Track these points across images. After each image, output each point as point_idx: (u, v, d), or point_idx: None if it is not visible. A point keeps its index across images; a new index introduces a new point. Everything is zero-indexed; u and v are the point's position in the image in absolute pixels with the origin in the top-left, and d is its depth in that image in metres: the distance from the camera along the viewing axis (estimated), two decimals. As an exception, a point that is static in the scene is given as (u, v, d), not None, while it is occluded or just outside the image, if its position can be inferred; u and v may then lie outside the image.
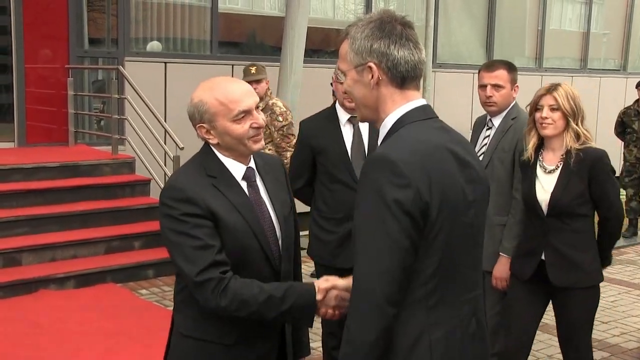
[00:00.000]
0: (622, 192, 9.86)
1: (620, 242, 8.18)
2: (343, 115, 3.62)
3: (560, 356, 3.49)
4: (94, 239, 6.16)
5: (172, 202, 2.04)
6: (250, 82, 5.64)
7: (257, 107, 2.13)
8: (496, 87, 3.62)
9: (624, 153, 8.51)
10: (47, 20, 7.31)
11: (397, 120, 1.80)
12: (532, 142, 3.30)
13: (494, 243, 3.53)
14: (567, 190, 3.19)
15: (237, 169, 2.15)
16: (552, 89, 3.25)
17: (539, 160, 3.31)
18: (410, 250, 1.68)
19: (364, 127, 3.59)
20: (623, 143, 8.57)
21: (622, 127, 8.41)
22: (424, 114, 1.82)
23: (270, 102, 5.64)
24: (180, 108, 8.26)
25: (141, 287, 5.94)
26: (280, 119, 5.55)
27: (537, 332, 3.53)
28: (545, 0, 11.43)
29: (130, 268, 6.08)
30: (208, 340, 2.12)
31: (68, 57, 7.37)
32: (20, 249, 5.80)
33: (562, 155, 3.23)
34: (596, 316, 5.31)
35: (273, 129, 5.57)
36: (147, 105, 6.69)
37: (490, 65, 3.73)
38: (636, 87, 8.28)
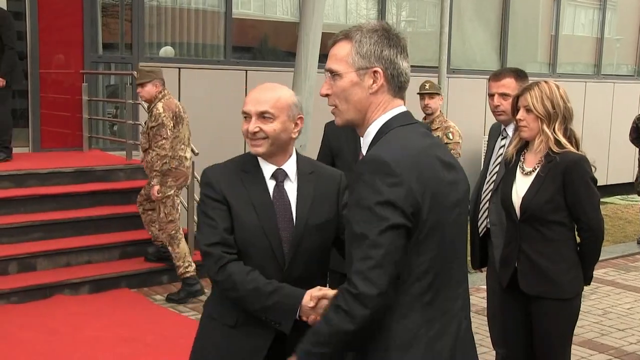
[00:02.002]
0: (637, 198, 9.81)
1: (635, 248, 8.12)
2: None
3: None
4: (109, 244, 6.17)
5: (201, 185, 2.32)
6: (137, 86, 5.74)
7: (264, 116, 2.22)
8: (503, 95, 3.54)
9: (638, 159, 8.46)
10: (62, 25, 7.34)
11: (383, 125, 1.87)
12: (514, 142, 3.20)
13: None
14: (538, 195, 3.03)
15: (267, 169, 2.30)
16: (528, 88, 3.10)
17: (520, 162, 3.17)
18: (402, 247, 1.75)
19: None
20: (638, 149, 8.52)
21: (637, 133, 8.36)
22: (407, 119, 1.90)
23: (155, 104, 5.80)
24: (195, 113, 8.30)
25: (155, 293, 5.94)
26: (153, 119, 5.75)
27: None
28: (558, 6, 11.38)
29: (145, 273, 6.09)
30: (216, 319, 2.30)
31: (82, 63, 7.40)
32: (35, 254, 5.82)
33: (541, 157, 3.08)
34: (612, 324, 5.36)
35: (149, 129, 5.81)
36: (161, 111, 6.70)
37: (498, 74, 3.68)
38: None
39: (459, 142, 5.89)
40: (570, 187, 3.00)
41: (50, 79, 7.43)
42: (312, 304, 2.14)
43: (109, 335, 4.82)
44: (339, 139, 3.65)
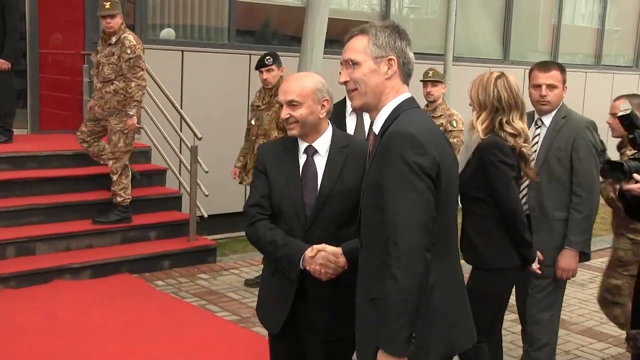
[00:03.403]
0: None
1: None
2: (350, 106, 3.73)
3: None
4: (110, 228, 6.09)
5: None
6: (104, 17, 5.78)
7: (292, 104, 2.64)
8: (551, 87, 3.71)
9: None
10: (63, 5, 7.21)
11: (394, 108, 2.19)
12: None
13: (555, 238, 3.69)
14: (463, 173, 3.24)
15: (302, 146, 2.73)
16: None
17: None
18: (433, 205, 2.06)
19: (367, 118, 3.82)
20: None
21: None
22: (413, 103, 2.23)
23: (122, 35, 5.88)
24: (197, 97, 8.16)
25: (157, 278, 5.88)
26: (129, 51, 5.82)
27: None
28: (561, -5, 11.33)
29: (146, 259, 6.02)
30: (266, 270, 2.87)
31: (84, 44, 7.27)
32: (34, 238, 5.73)
33: None
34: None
35: (122, 61, 5.84)
36: (164, 93, 6.61)
37: (545, 65, 3.80)
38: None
39: (462, 130, 5.86)
40: (484, 171, 3.20)
41: (50, 60, 7.30)
42: (312, 253, 2.56)
43: (111, 321, 4.76)
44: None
